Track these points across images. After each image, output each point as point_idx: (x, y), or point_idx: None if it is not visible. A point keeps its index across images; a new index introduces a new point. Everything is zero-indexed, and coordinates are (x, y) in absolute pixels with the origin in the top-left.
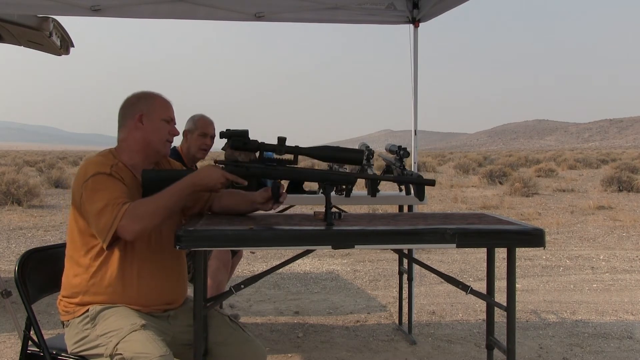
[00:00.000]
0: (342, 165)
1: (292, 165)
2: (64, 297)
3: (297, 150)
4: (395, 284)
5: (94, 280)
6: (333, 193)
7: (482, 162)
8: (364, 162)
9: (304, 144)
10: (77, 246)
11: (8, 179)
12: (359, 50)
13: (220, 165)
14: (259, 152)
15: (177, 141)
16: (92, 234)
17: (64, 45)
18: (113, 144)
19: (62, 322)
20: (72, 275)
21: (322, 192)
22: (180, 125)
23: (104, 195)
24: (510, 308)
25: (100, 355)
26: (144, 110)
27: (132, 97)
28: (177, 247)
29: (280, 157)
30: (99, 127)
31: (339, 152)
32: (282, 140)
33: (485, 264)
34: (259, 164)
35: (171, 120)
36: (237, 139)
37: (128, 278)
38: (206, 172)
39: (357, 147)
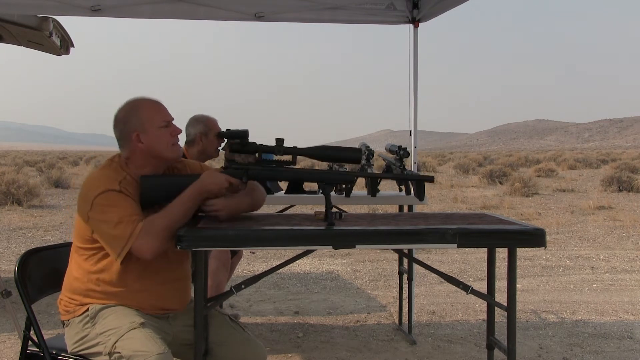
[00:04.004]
0: (342, 165)
1: (291, 166)
2: (64, 296)
3: (295, 151)
4: (395, 284)
5: (95, 285)
6: (333, 193)
7: (482, 162)
8: (364, 162)
9: (304, 144)
10: (80, 249)
11: (8, 179)
12: (359, 51)
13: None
14: (257, 153)
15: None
16: (95, 239)
17: (64, 45)
18: (113, 143)
19: (62, 322)
20: (74, 277)
21: (321, 193)
22: (180, 126)
23: (117, 212)
24: (510, 308)
25: (100, 353)
26: (138, 128)
27: (120, 116)
28: (178, 247)
29: (279, 158)
30: (99, 127)
31: (337, 152)
32: (280, 141)
33: (486, 264)
34: (258, 166)
35: (168, 123)
36: (235, 143)
37: (130, 284)
38: (210, 177)
39: (357, 147)
